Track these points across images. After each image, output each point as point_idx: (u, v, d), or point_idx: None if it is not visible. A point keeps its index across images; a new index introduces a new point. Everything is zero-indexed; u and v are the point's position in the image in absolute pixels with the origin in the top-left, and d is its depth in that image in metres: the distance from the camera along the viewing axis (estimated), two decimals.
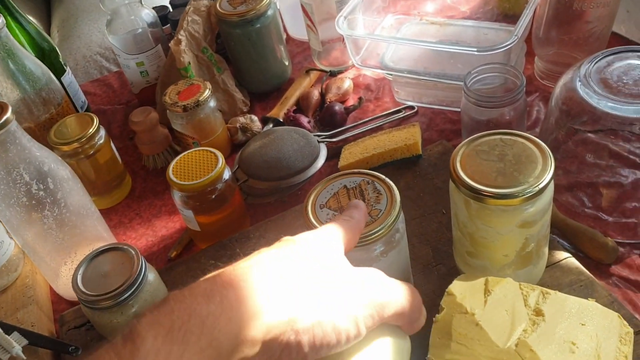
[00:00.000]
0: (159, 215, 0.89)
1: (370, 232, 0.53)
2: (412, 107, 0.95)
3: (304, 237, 0.43)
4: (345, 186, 0.58)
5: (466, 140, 0.60)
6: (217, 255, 0.76)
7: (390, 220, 0.54)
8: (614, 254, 0.69)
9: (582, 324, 0.50)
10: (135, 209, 0.91)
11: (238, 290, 0.36)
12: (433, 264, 0.69)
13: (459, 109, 0.91)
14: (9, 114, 0.65)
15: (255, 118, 0.96)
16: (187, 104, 0.86)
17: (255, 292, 0.36)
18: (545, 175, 0.54)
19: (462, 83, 0.80)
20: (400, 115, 0.94)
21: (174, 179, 0.74)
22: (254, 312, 0.35)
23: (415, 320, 0.45)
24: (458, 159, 0.58)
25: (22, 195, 0.67)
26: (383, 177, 0.58)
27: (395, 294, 0.42)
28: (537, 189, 0.53)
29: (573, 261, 0.66)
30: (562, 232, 0.72)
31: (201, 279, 0.37)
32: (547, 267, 0.65)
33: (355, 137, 0.91)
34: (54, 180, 0.69)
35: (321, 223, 0.55)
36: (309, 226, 0.55)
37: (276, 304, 0.37)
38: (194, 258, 0.77)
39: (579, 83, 0.70)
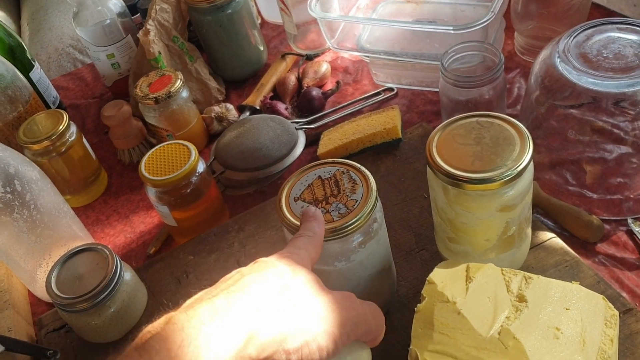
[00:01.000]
0: (137, 211, 0.86)
1: (347, 224, 0.51)
2: (391, 89, 0.93)
3: (280, 262, 0.45)
4: (319, 177, 0.56)
5: (442, 124, 0.58)
6: (196, 250, 0.75)
7: (366, 211, 0.52)
8: (599, 232, 0.67)
9: (567, 309, 0.49)
10: (112, 206, 0.88)
11: (235, 313, 0.39)
12: (416, 250, 0.68)
13: (438, 89, 0.90)
14: None
15: (231, 107, 0.94)
16: (159, 96, 0.84)
17: (251, 315, 0.40)
18: (524, 157, 0.53)
19: (439, 66, 0.78)
20: (380, 97, 0.92)
21: (147, 175, 0.72)
22: (251, 332, 0.39)
23: (378, 335, 0.47)
24: (434, 144, 0.56)
25: None
26: (358, 166, 0.56)
27: (364, 315, 0.46)
28: (515, 171, 0.52)
29: (558, 241, 0.65)
30: (546, 212, 0.71)
31: (198, 299, 0.41)
32: (531, 248, 0.64)
33: (335, 122, 0.89)
34: (22, 181, 0.67)
35: (296, 217, 0.53)
36: (284, 220, 0.53)
37: (269, 325, 0.40)
38: (172, 254, 0.75)
39: (558, 59, 0.68)
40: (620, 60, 0.65)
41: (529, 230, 0.61)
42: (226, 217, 0.80)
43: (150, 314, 0.69)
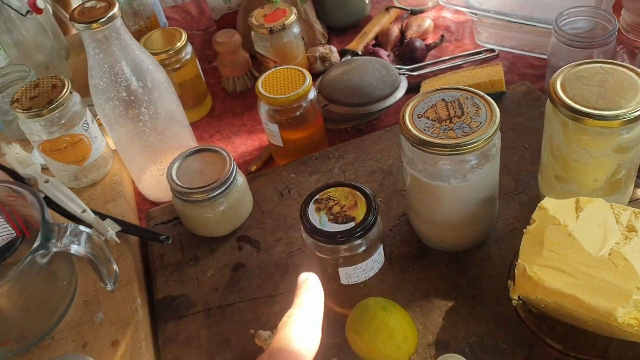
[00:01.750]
0: (238, 134, 0.91)
1: (471, 141, 0.54)
2: (492, 50, 0.95)
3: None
4: (443, 99, 0.60)
5: (565, 66, 0.61)
6: (298, 170, 0.79)
7: (489, 133, 0.55)
8: None
9: None
10: (215, 127, 0.93)
11: None
12: (515, 193, 0.71)
13: (542, 55, 0.92)
14: (115, 10, 0.67)
15: (334, 49, 0.97)
16: (274, 27, 0.88)
17: None
18: None
19: (550, 27, 0.80)
20: (481, 56, 0.94)
21: (263, 92, 0.76)
22: None
23: None
24: (558, 82, 0.59)
25: (123, 90, 0.70)
26: (482, 93, 0.59)
27: None
28: (637, 113, 0.54)
29: None
30: None
31: None
32: (629, 202, 0.66)
33: (435, 74, 0.91)
34: (152, 80, 0.72)
35: (419, 130, 0.56)
36: (407, 133, 0.57)
37: None
38: (275, 171, 0.79)
39: None
40: None
41: (634, 180, 0.63)
42: (325, 147, 0.84)
43: (254, 218, 0.74)
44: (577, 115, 0.55)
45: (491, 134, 0.55)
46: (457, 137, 0.55)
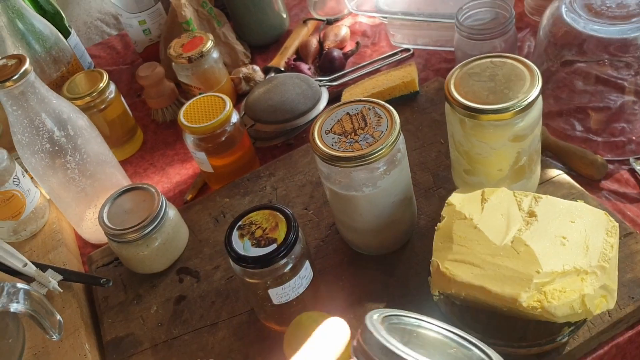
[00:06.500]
0: (172, 164, 0.93)
1: (375, 151, 0.57)
2: (407, 50, 0.98)
3: None
4: (347, 113, 0.62)
5: (459, 65, 0.64)
6: (231, 194, 0.81)
7: (391, 140, 0.58)
8: (603, 170, 0.73)
9: (572, 222, 0.55)
10: (148, 160, 0.95)
11: None
12: (434, 188, 0.74)
13: (453, 48, 0.95)
14: (27, 65, 0.68)
15: (257, 68, 1.00)
16: (192, 55, 0.90)
17: None
18: (533, 90, 0.58)
19: (454, 21, 0.83)
20: (397, 57, 0.97)
21: (185, 123, 0.78)
22: None
23: None
24: (452, 82, 0.62)
25: (46, 142, 0.71)
26: (383, 102, 0.62)
27: None
28: (525, 103, 0.57)
29: (565, 177, 0.71)
30: (555, 154, 0.76)
31: None
32: (540, 183, 0.70)
33: (355, 81, 0.94)
34: (74, 127, 0.73)
35: (327, 146, 0.59)
36: (317, 150, 0.59)
37: None
38: (209, 198, 0.82)
39: (565, 9, 0.74)
40: (623, 9, 0.71)
41: (539, 164, 0.67)
42: (257, 166, 0.86)
43: (191, 248, 0.76)
44: (470, 112, 0.59)
45: (392, 141, 0.58)
46: (362, 149, 0.58)
